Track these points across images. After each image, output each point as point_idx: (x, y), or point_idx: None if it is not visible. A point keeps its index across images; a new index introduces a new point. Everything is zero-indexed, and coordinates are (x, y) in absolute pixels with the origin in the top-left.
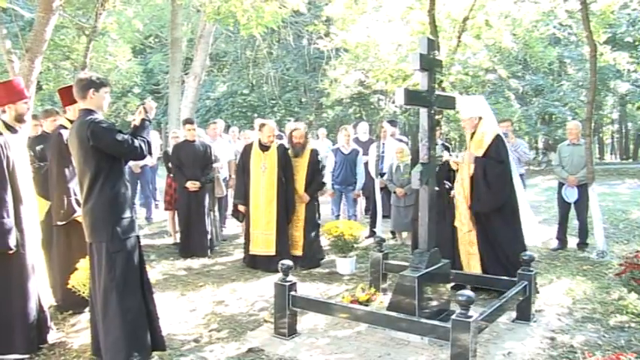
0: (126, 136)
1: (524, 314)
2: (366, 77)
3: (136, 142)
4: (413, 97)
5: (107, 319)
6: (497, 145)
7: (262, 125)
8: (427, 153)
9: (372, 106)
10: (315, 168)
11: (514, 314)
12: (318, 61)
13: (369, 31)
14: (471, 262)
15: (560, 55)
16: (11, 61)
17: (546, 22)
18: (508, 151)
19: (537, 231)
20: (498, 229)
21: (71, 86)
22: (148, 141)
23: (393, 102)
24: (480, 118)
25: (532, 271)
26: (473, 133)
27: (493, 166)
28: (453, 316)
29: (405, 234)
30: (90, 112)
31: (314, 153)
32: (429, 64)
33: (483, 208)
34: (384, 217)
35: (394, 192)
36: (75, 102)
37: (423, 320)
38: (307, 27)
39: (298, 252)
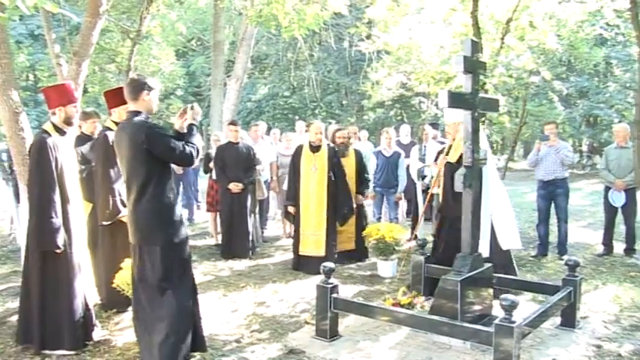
0: (178, 143)
1: (569, 320)
2: (407, 79)
3: (187, 149)
4: (456, 100)
5: (158, 321)
6: None
7: (309, 124)
8: (471, 156)
9: (414, 109)
10: (362, 167)
11: (558, 320)
12: (360, 64)
13: (411, 33)
14: None
15: (606, 56)
16: (60, 65)
17: (592, 23)
18: (487, 158)
19: (516, 235)
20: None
21: (117, 89)
22: (197, 147)
23: (436, 104)
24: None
25: (577, 276)
26: (455, 139)
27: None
28: (496, 321)
29: None
30: (139, 113)
31: (358, 153)
32: (473, 67)
33: (450, 213)
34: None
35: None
36: (120, 104)
37: (466, 324)
38: (349, 29)
39: (351, 245)
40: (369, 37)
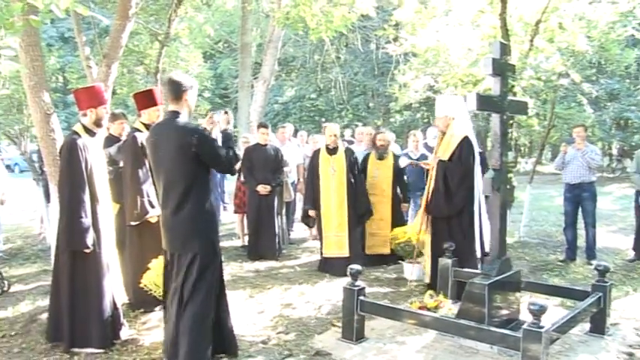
0: (223, 150)
1: (599, 327)
2: (435, 82)
3: (230, 156)
4: (485, 103)
5: (189, 324)
6: (462, 149)
7: (324, 127)
8: (499, 159)
9: None
10: (400, 170)
11: (587, 326)
12: (386, 66)
13: (439, 35)
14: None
15: (638, 58)
16: (89, 67)
17: (624, 24)
18: (476, 156)
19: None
20: (452, 236)
21: (147, 91)
22: (237, 154)
23: None
24: (453, 119)
25: (607, 282)
26: (445, 134)
27: (453, 171)
28: (524, 326)
29: None
30: (179, 114)
31: (395, 156)
32: (502, 69)
33: (441, 212)
34: None
35: None
36: (150, 106)
37: (493, 328)
38: (376, 32)
39: (386, 250)
40: (396, 39)
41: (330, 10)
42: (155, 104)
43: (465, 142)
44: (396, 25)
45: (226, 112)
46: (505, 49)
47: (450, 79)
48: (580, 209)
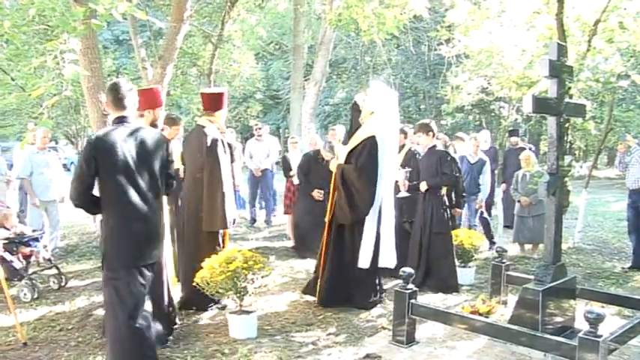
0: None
1: None
2: (488, 84)
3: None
4: (541, 105)
5: None
6: (364, 149)
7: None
8: (555, 163)
9: (493, 114)
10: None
11: None
12: (438, 68)
13: (493, 36)
14: None
15: None
16: (145, 69)
17: None
18: (378, 159)
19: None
20: (346, 245)
21: (215, 93)
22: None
23: (517, 110)
24: (372, 113)
25: None
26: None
27: (349, 173)
28: (581, 334)
29: (528, 246)
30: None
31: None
32: (559, 71)
33: (345, 219)
34: (505, 227)
35: (518, 201)
36: (220, 108)
37: (547, 336)
38: (429, 33)
39: None
40: (448, 40)
41: (382, 12)
42: (222, 108)
43: (369, 142)
44: (448, 26)
45: None
46: (562, 51)
47: (503, 81)
48: None
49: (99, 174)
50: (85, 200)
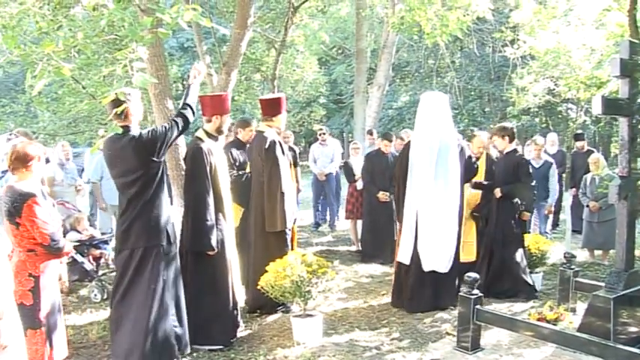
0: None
1: None
2: (555, 85)
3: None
4: (612, 106)
5: None
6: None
7: (473, 137)
8: (627, 166)
9: (560, 116)
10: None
11: None
12: (503, 69)
13: (559, 36)
14: None
15: None
16: (210, 75)
17: None
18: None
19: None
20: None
21: (273, 99)
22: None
23: (586, 111)
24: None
25: None
26: None
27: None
28: None
29: (598, 252)
30: None
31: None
32: (631, 70)
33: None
34: (574, 232)
35: (587, 206)
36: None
37: (620, 346)
38: (492, 34)
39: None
40: (513, 41)
41: (445, 14)
42: (280, 112)
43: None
44: (513, 27)
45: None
46: (634, 48)
47: (571, 82)
48: None
49: None
50: None
